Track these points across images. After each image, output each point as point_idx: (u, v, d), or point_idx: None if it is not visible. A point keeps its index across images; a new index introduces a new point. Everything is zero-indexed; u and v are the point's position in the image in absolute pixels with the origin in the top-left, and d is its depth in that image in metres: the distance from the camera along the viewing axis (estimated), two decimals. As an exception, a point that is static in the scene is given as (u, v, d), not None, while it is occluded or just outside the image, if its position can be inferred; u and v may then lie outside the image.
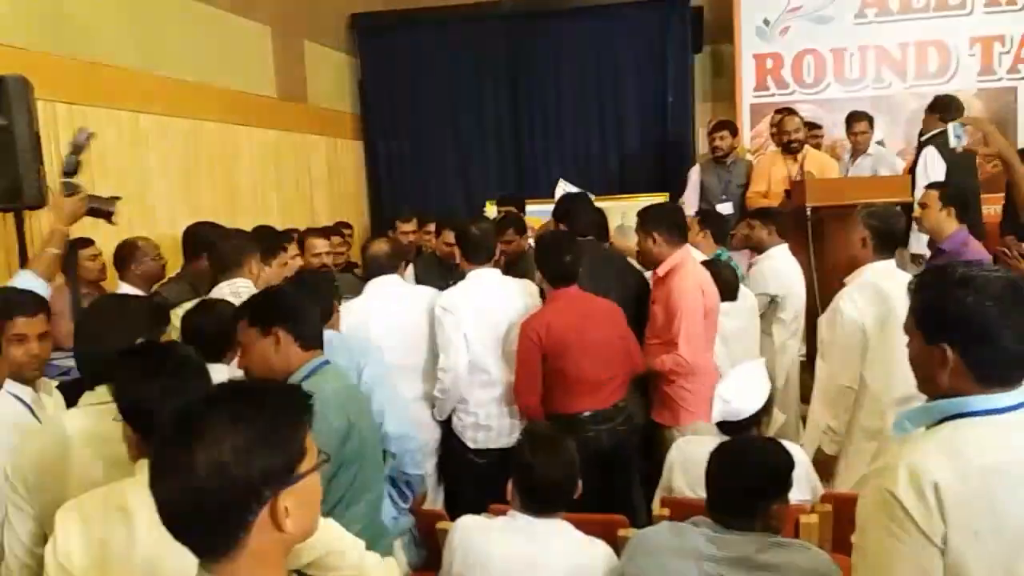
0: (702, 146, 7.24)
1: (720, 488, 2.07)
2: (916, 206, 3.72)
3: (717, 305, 3.52)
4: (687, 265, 3.43)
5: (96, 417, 1.91)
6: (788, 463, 2.34)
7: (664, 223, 3.46)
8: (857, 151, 5.90)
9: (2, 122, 3.58)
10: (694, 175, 5.88)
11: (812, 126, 6.12)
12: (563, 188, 6.10)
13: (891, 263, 3.11)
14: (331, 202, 7.35)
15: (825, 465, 3.06)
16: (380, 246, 3.70)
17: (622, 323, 3.31)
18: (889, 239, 3.05)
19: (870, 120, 5.94)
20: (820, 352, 3.17)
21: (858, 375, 2.99)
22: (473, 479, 3.39)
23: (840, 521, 2.65)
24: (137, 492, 1.53)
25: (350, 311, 3.35)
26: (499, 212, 5.90)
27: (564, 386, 3.14)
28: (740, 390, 2.61)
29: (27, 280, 2.84)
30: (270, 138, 6.38)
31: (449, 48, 7.59)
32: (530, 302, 3.51)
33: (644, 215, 3.57)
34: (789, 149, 5.37)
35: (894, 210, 3.12)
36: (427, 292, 3.66)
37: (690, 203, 5.71)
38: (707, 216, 4.56)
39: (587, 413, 3.16)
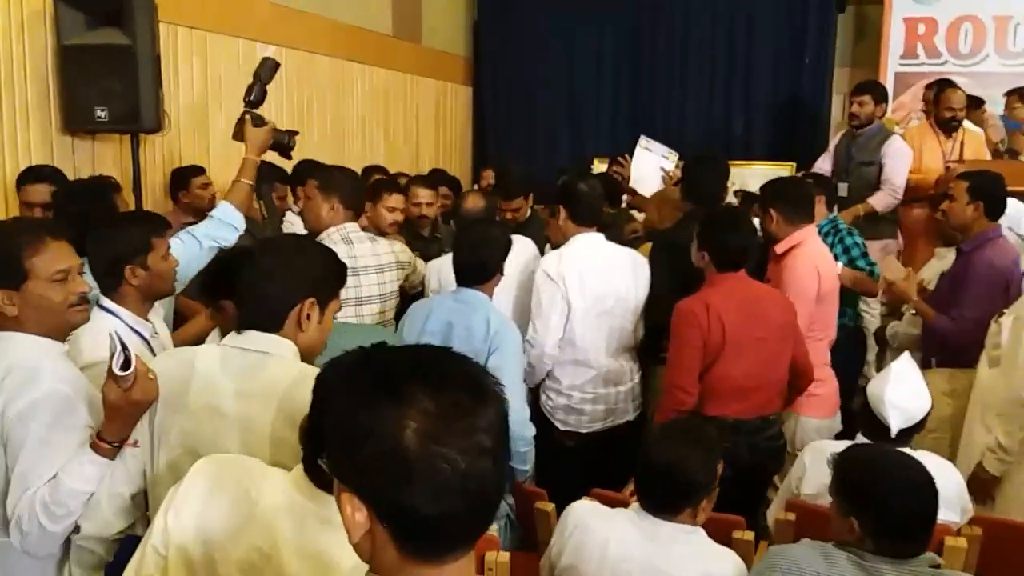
0: (837, 114, 6.73)
1: (889, 512, 1.79)
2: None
3: (835, 288, 3.25)
4: (806, 245, 3.17)
5: (228, 361, 1.68)
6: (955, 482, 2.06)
7: (782, 199, 3.22)
8: (1015, 132, 5.30)
9: (125, 41, 3.51)
10: (834, 141, 5.33)
11: (976, 101, 5.51)
12: (645, 148, 5.50)
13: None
14: (437, 147, 7.18)
15: (983, 485, 2.73)
16: (476, 201, 3.47)
17: (792, 323, 2.87)
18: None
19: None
20: (988, 359, 2.81)
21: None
22: (560, 459, 3.11)
23: (991, 547, 2.37)
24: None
25: (442, 271, 3.14)
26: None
27: (709, 385, 2.73)
28: (907, 391, 2.30)
29: (227, 212, 2.74)
30: (381, 77, 6.21)
31: (571, -7, 7.23)
32: (642, 275, 3.20)
33: (764, 189, 3.40)
34: (949, 126, 4.85)
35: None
36: (527, 249, 3.38)
37: (819, 170, 5.20)
38: (818, 180, 4.14)
39: (730, 420, 2.73)
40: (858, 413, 2.42)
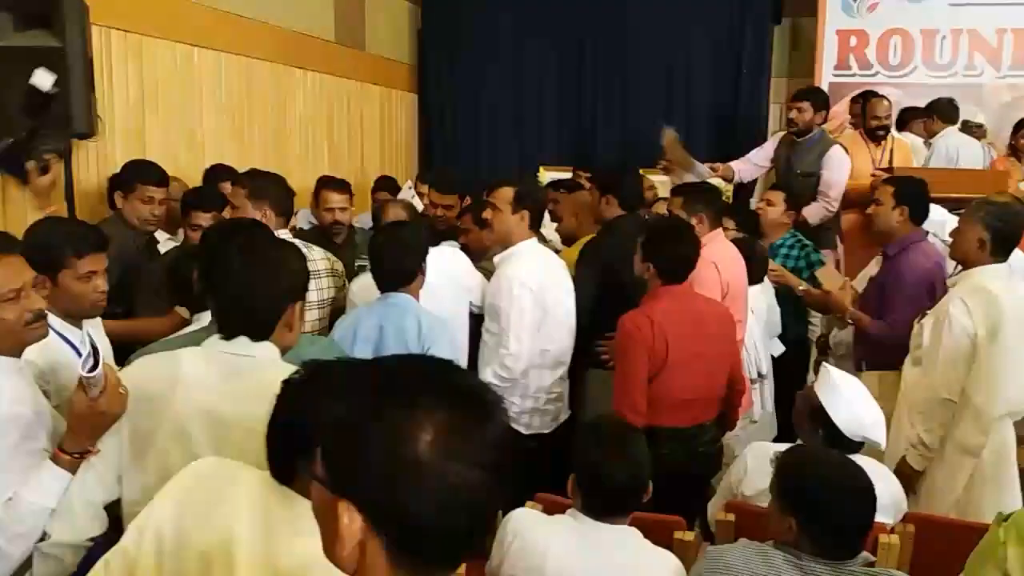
0: (773, 124, 6.89)
1: (828, 515, 1.83)
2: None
3: (739, 285, 3.32)
4: (712, 244, 3.28)
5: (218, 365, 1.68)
6: (893, 490, 2.10)
7: (703, 203, 3.33)
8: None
9: (55, 44, 3.40)
10: (772, 141, 5.32)
11: (915, 112, 5.67)
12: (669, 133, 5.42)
13: (1004, 267, 2.83)
14: (381, 154, 7.13)
15: (906, 480, 2.81)
16: (397, 213, 3.37)
17: (733, 336, 2.94)
18: (1008, 241, 2.76)
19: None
20: (912, 359, 2.91)
21: (960, 387, 2.73)
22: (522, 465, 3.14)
23: (923, 544, 2.44)
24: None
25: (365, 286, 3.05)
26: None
27: (650, 397, 2.73)
28: (872, 407, 2.31)
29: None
30: (324, 83, 6.15)
31: (514, 2, 7.26)
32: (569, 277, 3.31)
33: (683, 192, 3.49)
34: (876, 135, 5.00)
35: (1017, 208, 2.82)
36: (458, 260, 3.35)
37: (752, 159, 5.22)
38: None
39: (666, 429, 2.75)
40: (807, 420, 2.41)
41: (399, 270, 2.81)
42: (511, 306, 3.00)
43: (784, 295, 3.82)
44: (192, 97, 4.77)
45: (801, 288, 3.75)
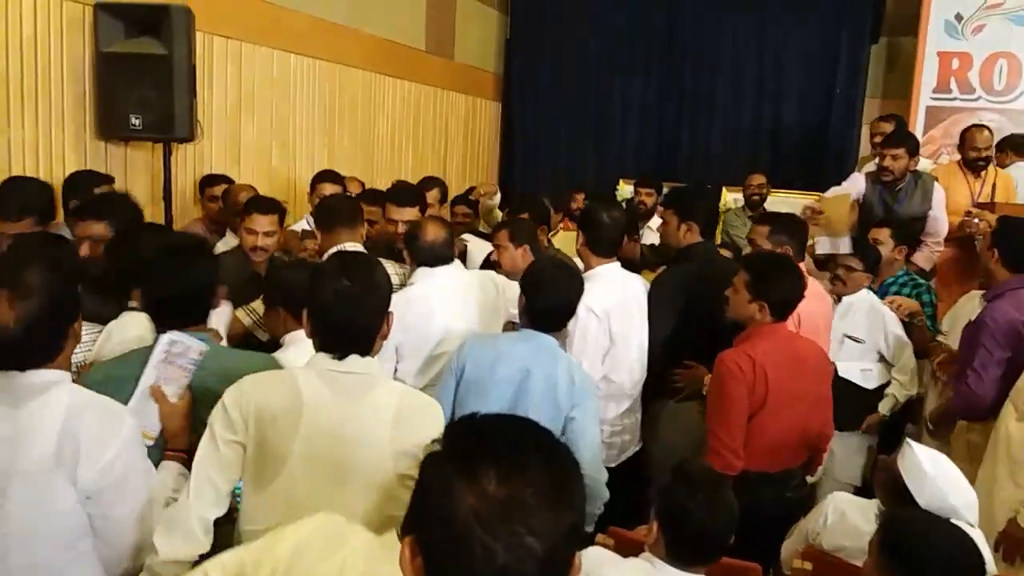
0: (865, 146, 6.67)
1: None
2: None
3: (812, 319, 3.10)
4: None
5: (333, 385, 1.73)
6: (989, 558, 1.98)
7: (788, 234, 3.15)
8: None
9: (161, 51, 3.54)
10: (859, 182, 5.08)
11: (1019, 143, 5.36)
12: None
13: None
14: (464, 161, 7.21)
15: (1016, 543, 2.64)
16: (437, 232, 3.04)
17: (829, 378, 2.81)
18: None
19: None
20: (1018, 413, 2.73)
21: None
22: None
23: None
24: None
25: (410, 302, 2.86)
26: (636, 193, 5.54)
27: (744, 439, 2.60)
28: (964, 498, 2.11)
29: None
30: (413, 91, 6.25)
31: (604, 13, 7.24)
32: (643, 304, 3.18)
33: (769, 221, 3.30)
34: (975, 166, 4.77)
35: None
36: (487, 281, 3.17)
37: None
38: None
39: (755, 473, 2.59)
40: (889, 493, 2.28)
41: (565, 309, 2.61)
42: (575, 328, 2.93)
43: None
44: (286, 102, 4.91)
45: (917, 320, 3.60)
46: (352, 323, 1.74)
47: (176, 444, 1.82)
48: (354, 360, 1.74)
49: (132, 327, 2.14)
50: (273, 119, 4.82)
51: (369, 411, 1.71)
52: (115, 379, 1.85)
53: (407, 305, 2.79)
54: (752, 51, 6.92)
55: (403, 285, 3.04)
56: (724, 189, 6.62)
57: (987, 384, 2.95)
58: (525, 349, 2.53)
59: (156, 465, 1.78)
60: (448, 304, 2.95)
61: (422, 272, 2.99)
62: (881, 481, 2.30)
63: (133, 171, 3.91)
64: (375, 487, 1.69)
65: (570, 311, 2.60)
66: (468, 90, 7.12)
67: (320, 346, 1.76)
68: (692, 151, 7.18)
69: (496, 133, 7.77)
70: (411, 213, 3.41)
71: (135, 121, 3.56)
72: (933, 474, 2.10)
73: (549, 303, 2.55)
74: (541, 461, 0.93)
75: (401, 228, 3.34)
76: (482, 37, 7.33)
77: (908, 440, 2.25)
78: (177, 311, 1.92)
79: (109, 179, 3.43)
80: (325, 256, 2.85)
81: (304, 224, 3.88)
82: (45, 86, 3.49)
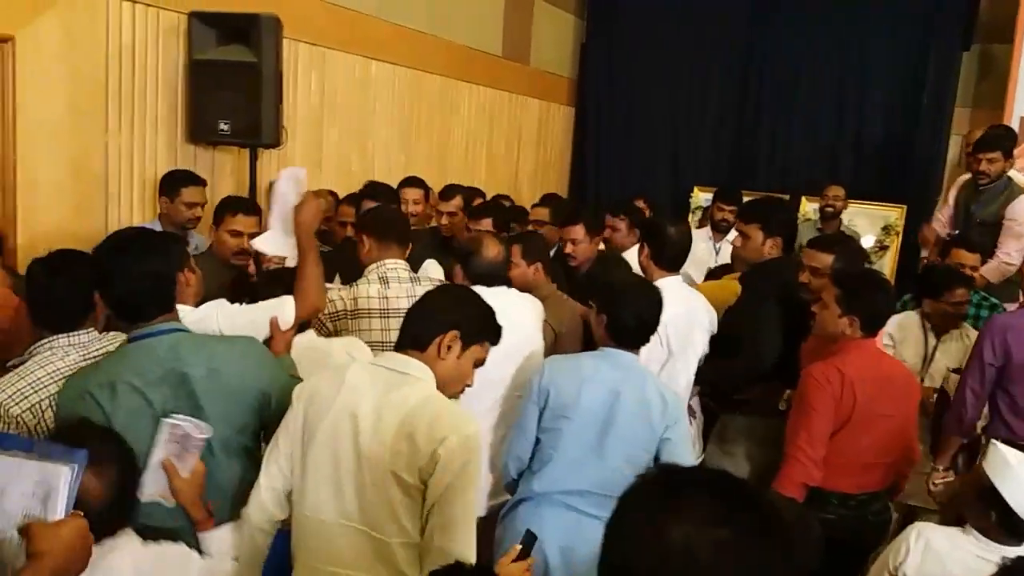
0: (954, 155, 6.44)
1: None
2: None
3: None
4: None
5: (375, 375, 1.86)
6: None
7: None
8: None
9: (252, 59, 3.64)
10: (953, 191, 4.98)
11: None
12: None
13: None
14: (536, 166, 7.21)
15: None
16: (495, 251, 2.93)
17: (916, 399, 2.75)
18: None
19: None
20: None
21: None
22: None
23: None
24: None
25: None
26: (717, 208, 5.37)
27: (826, 457, 2.54)
28: None
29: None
30: (487, 96, 6.29)
31: (681, 19, 7.14)
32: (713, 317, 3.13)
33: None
34: (1064, 181, 4.54)
35: None
36: (532, 306, 3.02)
37: (941, 221, 4.93)
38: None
39: (835, 493, 2.56)
40: (976, 502, 2.20)
41: (649, 325, 2.53)
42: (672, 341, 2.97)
43: None
44: (366, 107, 5.00)
45: None
46: (406, 320, 1.94)
47: (194, 514, 1.86)
48: (396, 357, 1.87)
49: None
50: (353, 124, 4.91)
51: (391, 404, 1.78)
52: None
53: None
54: (834, 59, 6.71)
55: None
56: (804, 199, 6.48)
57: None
58: (611, 370, 2.46)
59: (178, 527, 1.85)
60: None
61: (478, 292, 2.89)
62: (966, 492, 2.23)
63: (220, 174, 4.03)
64: (368, 484, 1.77)
65: (653, 327, 2.54)
66: (542, 95, 7.13)
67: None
68: (770, 159, 7.03)
69: (568, 137, 7.76)
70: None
71: (224, 126, 3.68)
72: (1019, 469, 2.04)
73: (633, 320, 2.48)
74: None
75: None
76: (558, 41, 7.33)
77: (993, 441, 2.18)
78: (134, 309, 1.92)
79: (202, 181, 3.55)
80: (371, 267, 2.84)
81: None
82: (141, 92, 3.63)
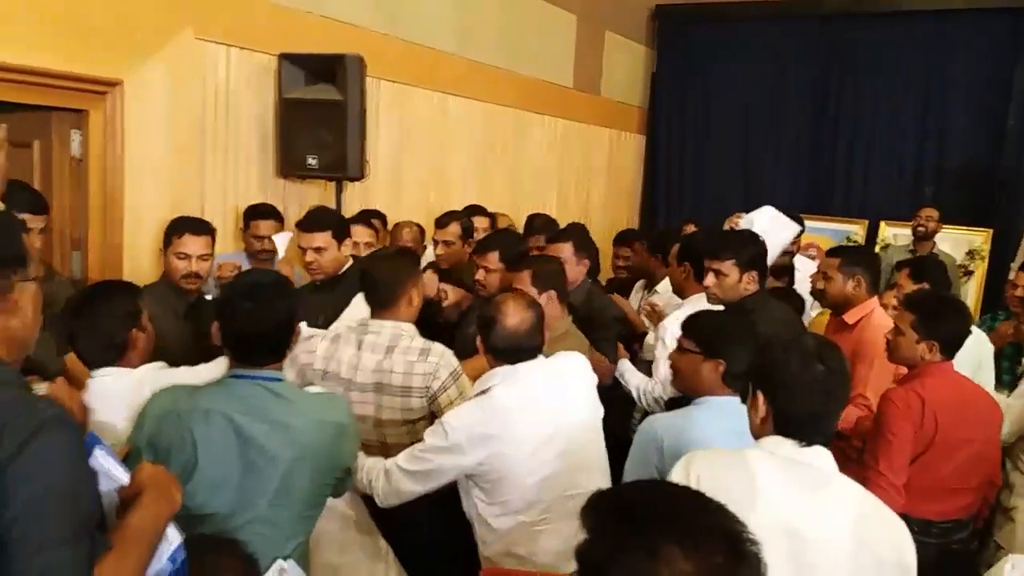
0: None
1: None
2: None
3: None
4: (876, 313, 3.07)
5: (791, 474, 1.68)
6: None
7: (863, 266, 3.10)
8: None
9: (338, 97, 3.81)
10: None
11: None
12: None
13: None
14: (606, 195, 7.26)
15: None
16: (523, 313, 2.26)
17: (998, 424, 2.69)
18: None
19: None
20: None
21: None
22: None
23: None
24: None
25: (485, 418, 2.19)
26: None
27: (907, 481, 2.48)
28: None
29: None
30: (559, 127, 6.39)
31: (753, 46, 7.13)
32: None
33: (846, 253, 3.26)
34: None
35: None
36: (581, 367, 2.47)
37: None
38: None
39: (913, 519, 2.40)
40: None
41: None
42: (662, 353, 2.97)
43: None
44: (443, 141, 5.15)
45: None
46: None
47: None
48: (820, 452, 1.67)
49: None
50: (431, 157, 5.06)
51: (834, 507, 1.64)
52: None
53: (482, 422, 2.17)
54: (916, 83, 6.58)
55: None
56: (883, 223, 6.36)
57: None
58: (728, 423, 2.07)
59: None
60: (537, 416, 2.22)
61: (502, 372, 2.24)
62: None
63: (307, 205, 4.18)
64: None
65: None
66: (613, 124, 7.20)
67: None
68: (848, 190, 6.92)
69: (639, 167, 7.79)
70: (322, 239, 3.08)
71: (312, 161, 3.85)
72: None
73: (744, 364, 2.06)
74: (714, 520, 1.00)
75: (310, 256, 3.06)
76: (628, 71, 7.41)
77: None
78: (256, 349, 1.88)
79: (272, 214, 3.69)
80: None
81: (429, 256, 3.99)
82: (235, 130, 3.84)
